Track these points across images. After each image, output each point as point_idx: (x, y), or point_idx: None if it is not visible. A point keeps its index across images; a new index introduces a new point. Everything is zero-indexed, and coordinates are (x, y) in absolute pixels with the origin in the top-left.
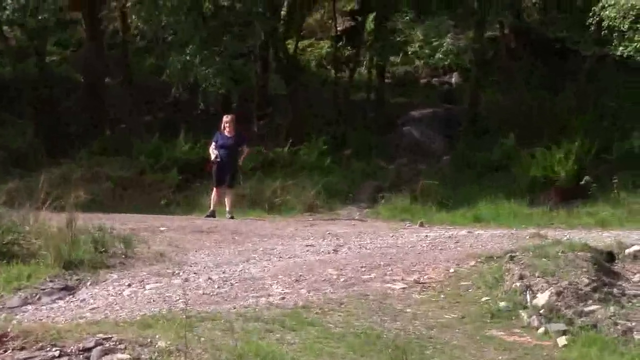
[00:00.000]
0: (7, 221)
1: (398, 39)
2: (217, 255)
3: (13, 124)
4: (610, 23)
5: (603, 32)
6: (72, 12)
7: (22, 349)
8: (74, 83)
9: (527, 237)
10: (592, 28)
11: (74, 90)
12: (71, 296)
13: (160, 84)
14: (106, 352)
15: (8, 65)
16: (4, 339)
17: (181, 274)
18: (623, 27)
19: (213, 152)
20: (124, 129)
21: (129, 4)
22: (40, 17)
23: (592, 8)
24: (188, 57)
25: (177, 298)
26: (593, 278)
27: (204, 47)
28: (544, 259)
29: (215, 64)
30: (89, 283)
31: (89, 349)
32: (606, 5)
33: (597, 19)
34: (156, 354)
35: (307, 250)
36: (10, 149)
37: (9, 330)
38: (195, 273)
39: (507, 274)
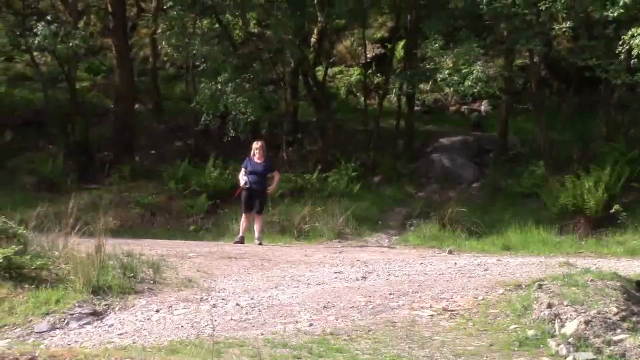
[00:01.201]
0: (36, 246)
1: (427, 66)
2: (246, 282)
3: (44, 149)
4: None
5: (633, 60)
6: (103, 38)
7: None
8: (104, 109)
9: (556, 266)
10: (622, 56)
11: (104, 117)
12: (99, 321)
13: (190, 111)
14: None
15: (39, 91)
16: None
17: (209, 299)
18: None
19: (242, 179)
20: (154, 155)
21: (159, 31)
22: (70, 44)
23: (622, 37)
24: (219, 85)
25: (205, 324)
26: (622, 307)
27: (234, 74)
28: (572, 288)
29: (246, 91)
30: (117, 308)
31: None
32: (635, 34)
33: (627, 47)
34: None
35: (336, 277)
36: (41, 173)
37: (36, 354)
38: (223, 299)
39: (535, 302)
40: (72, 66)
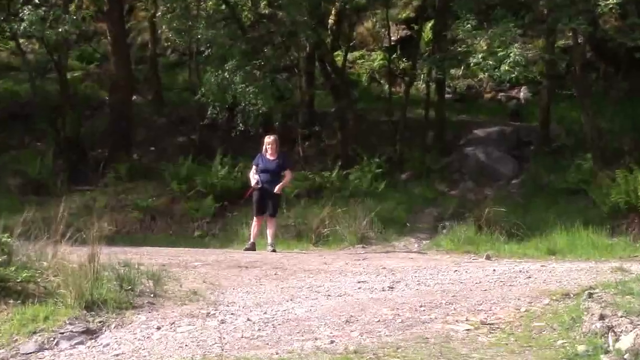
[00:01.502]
0: (23, 256)
1: (459, 49)
2: (258, 294)
3: (31, 146)
4: None
5: None
6: (96, 23)
7: None
8: (98, 101)
9: (608, 272)
10: None
11: (98, 110)
12: (93, 340)
13: (195, 103)
14: None
15: (26, 82)
16: None
17: (217, 314)
18: None
19: (254, 178)
20: (154, 152)
21: (158, 14)
22: (60, 30)
23: None
24: (226, 73)
25: (213, 342)
26: None
27: (243, 61)
28: (627, 297)
29: (256, 79)
30: (113, 326)
31: None
32: None
33: None
34: None
35: (359, 288)
36: (27, 174)
37: None
38: (232, 314)
39: (585, 313)
40: (63, 54)
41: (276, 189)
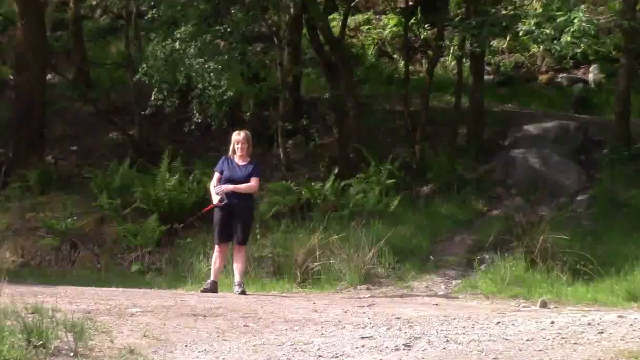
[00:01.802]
0: None
1: (504, 12)
2: (220, 353)
3: None
4: None
5: None
6: None
7: None
8: (0, 81)
9: None
10: None
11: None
12: None
13: (134, 84)
14: None
15: None
16: None
17: None
18: None
19: (215, 191)
20: (76, 153)
21: None
22: None
23: None
24: (177, 44)
25: None
26: None
27: (201, 27)
28: None
29: (219, 53)
30: None
31: None
32: None
33: None
34: None
35: (363, 346)
36: None
37: None
38: None
39: None
40: None
41: (220, 190)
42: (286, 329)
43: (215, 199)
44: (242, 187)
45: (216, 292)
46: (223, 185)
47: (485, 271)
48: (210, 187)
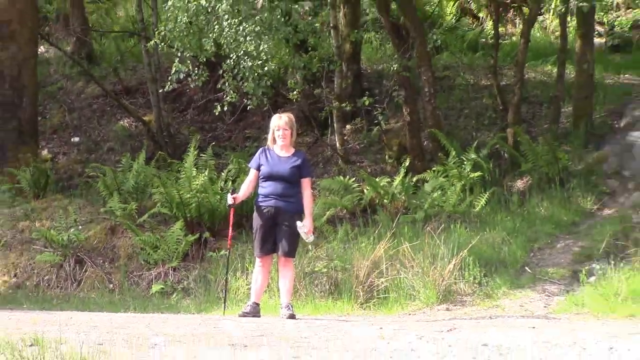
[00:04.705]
0: None
1: None
2: None
3: None
4: None
5: None
6: None
7: None
8: None
9: None
10: None
11: None
12: None
13: (150, 58)
14: None
15: None
16: None
17: None
18: None
19: (230, 195)
20: (79, 145)
21: None
22: None
23: None
24: (204, 1)
25: None
26: None
27: None
28: None
29: (257, 12)
30: None
31: None
32: None
33: None
34: None
35: None
36: None
37: None
38: None
39: None
40: None
41: (305, 232)
42: None
43: (229, 199)
44: (307, 205)
45: (258, 316)
46: (306, 226)
47: (594, 285)
48: (242, 188)
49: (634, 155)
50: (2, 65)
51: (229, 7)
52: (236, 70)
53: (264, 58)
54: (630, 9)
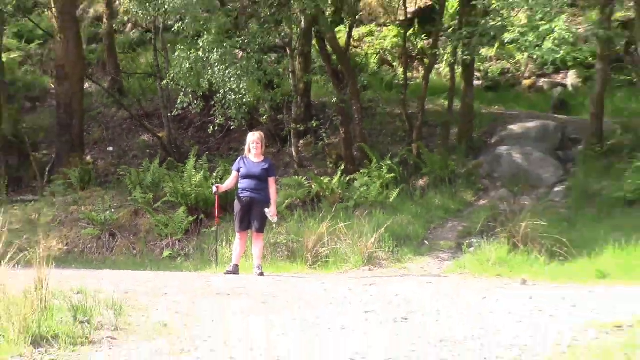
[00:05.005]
0: None
1: (492, 23)
2: (242, 327)
3: None
4: None
5: None
6: None
7: None
8: (42, 91)
9: None
10: None
11: (42, 101)
12: None
13: (162, 91)
14: None
15: None
16: None
17: (192, 351)
18: None
19: (214, 186)
20: (112, 153)
21: None
22: None
23: None
24: (200, 53)
25: None
26: None
27: (221, 38)
28: None
29: (238, 61)
30: None
31: None
32: None
33: None
34: None
35: (366, 319)
36: None
37: None
38: (211, 350)
39: None
40: None
41: (271, 215)
42: (299, 306)
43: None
44: (274, 197)
45: (238, 274)
46: (271, 211)
47: (472, 254)
48: (227, 183)
49: (500, 163)
50: (58, 97)
51: (218, 57)
52: (223, 101)
53: (243, 93)
54: (499, 60)
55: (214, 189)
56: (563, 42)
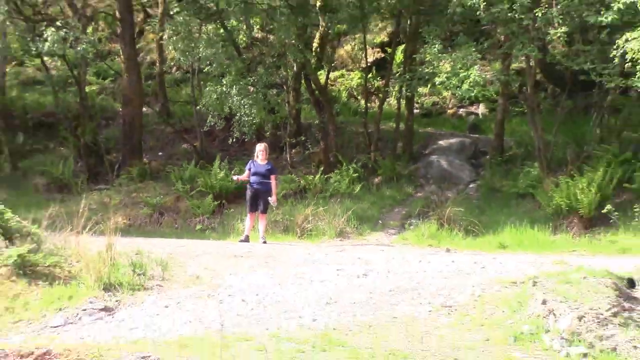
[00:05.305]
0: (49, 245)
1: (426, 70)
2: (251, 279)
3: (54, 151)
4: (634, 55)
5: (626, 64)
6: (111, 44)
7: None
8: (112, 112)
9: (550, 264)
10: (616, 60)
11: (112, 119)
12: (110, 316)
13: (196, 114)
14: None
15: (49, 94)
16: (47, 356)
17: (216, 296)
18: None
19: (237, 177)
20: (161, 156)
21: (165, 37)
22: (79, 49)
23: (616, 41)
24: (224, 88)
25: (213, 319)
26: (614, 303)
27: (238, 77)
28: (566, 285)
29: (250, 94)
30: (127, 304)
31: None
32: (630, 38)
33: (621, 51)
34: None
35: (337, 275)
36: (52, 175)
37: (51, 348)
38: (230, 295)
39: (530, 298)
40: (81, 70)
41: (272, 201)
42: (291, 265)
43: (235, 178)
44: (274, 189)
45: (248, 242)
46: (272, 199)
47: (412, 230)
48: (242, 176)
49: (432, 167)
50: (124, 117)
51: (236, 91)
52: (239, 121)
53: (253, 116)
54: (432, 96)
55: (235, 178)
56: (476, 84)
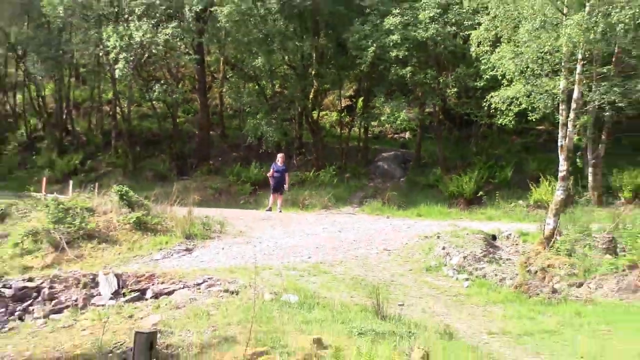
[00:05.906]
0: (155, 211)
1: (376, 112)
2: (272, 233)
3: (158, 157)
4: (496, 105)
5: (492, 110)
6: (192, 94)
7: (163, 282)
8: (192, 134)
9: (447, 225)
10: (485, 107)
11: (192, 138)
12: (190, 254)
13: (242, 136)
14: (210, 285)
15: (156, 123)
16: (153, 277)
17: (252, 242)
18: (502, 107)
19: (268, 174)
20: (221, 160)
21: (224, 90)
22: (174, 96)
23: (486, 96)
24: (257, 121)
25: (249, 256)
26: (484, 249)
27: (266, 115)
28: (456, 238)
29: (273, 124)
30: (200, 246)
31: (200, 284)
32: (494, 95)
33: (488, 102)
34: (238, 287)
35: (323, 230)
36: (156, 170)
37: (155, 272)
38: (260, 242)
39: (435, 246)
40: (174, 109)
41: (285, 188)
42: (296, 224)
43: (269, 174)
44: (287, 181)
45: (271, 211)
46: (286, 186)
47: (367, 205)
48: (269, 172)
49: (379, 168)
50: (198, 135)
51: (264, 122)
52: (267, 140)
53: (274, 137)
54: (380, 126)
55: (269, 173)
56: (404, 120)
